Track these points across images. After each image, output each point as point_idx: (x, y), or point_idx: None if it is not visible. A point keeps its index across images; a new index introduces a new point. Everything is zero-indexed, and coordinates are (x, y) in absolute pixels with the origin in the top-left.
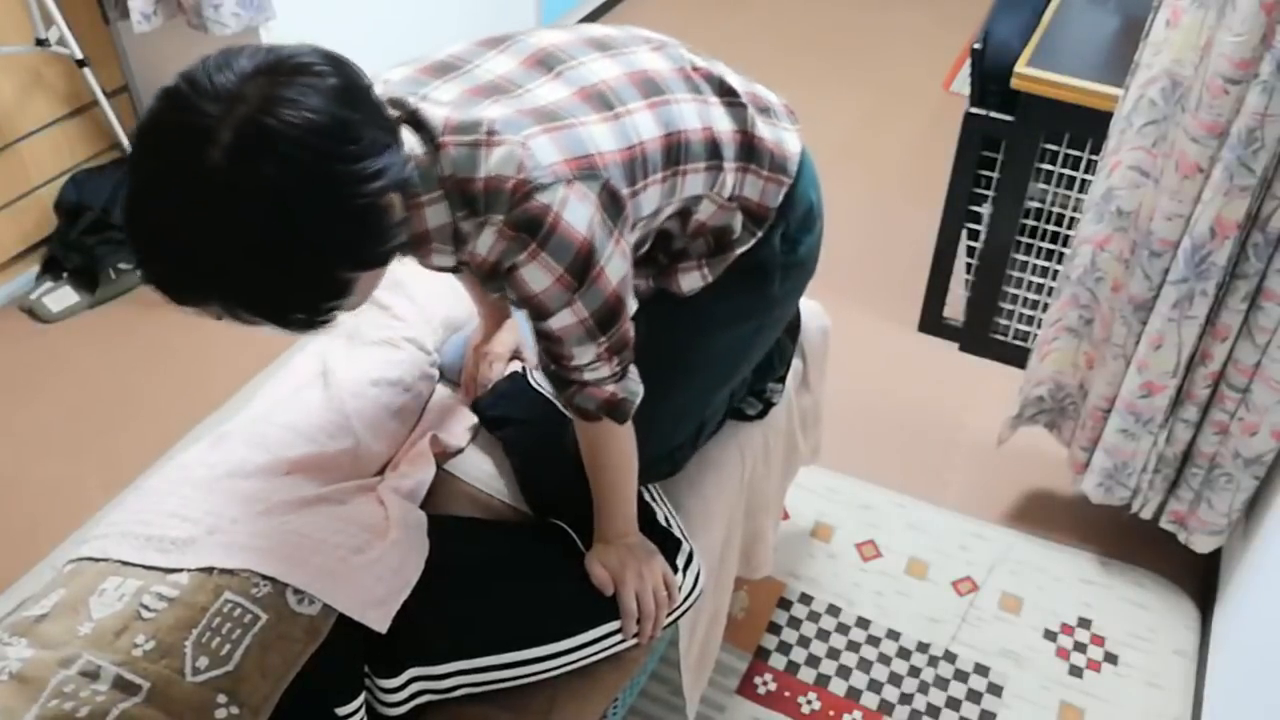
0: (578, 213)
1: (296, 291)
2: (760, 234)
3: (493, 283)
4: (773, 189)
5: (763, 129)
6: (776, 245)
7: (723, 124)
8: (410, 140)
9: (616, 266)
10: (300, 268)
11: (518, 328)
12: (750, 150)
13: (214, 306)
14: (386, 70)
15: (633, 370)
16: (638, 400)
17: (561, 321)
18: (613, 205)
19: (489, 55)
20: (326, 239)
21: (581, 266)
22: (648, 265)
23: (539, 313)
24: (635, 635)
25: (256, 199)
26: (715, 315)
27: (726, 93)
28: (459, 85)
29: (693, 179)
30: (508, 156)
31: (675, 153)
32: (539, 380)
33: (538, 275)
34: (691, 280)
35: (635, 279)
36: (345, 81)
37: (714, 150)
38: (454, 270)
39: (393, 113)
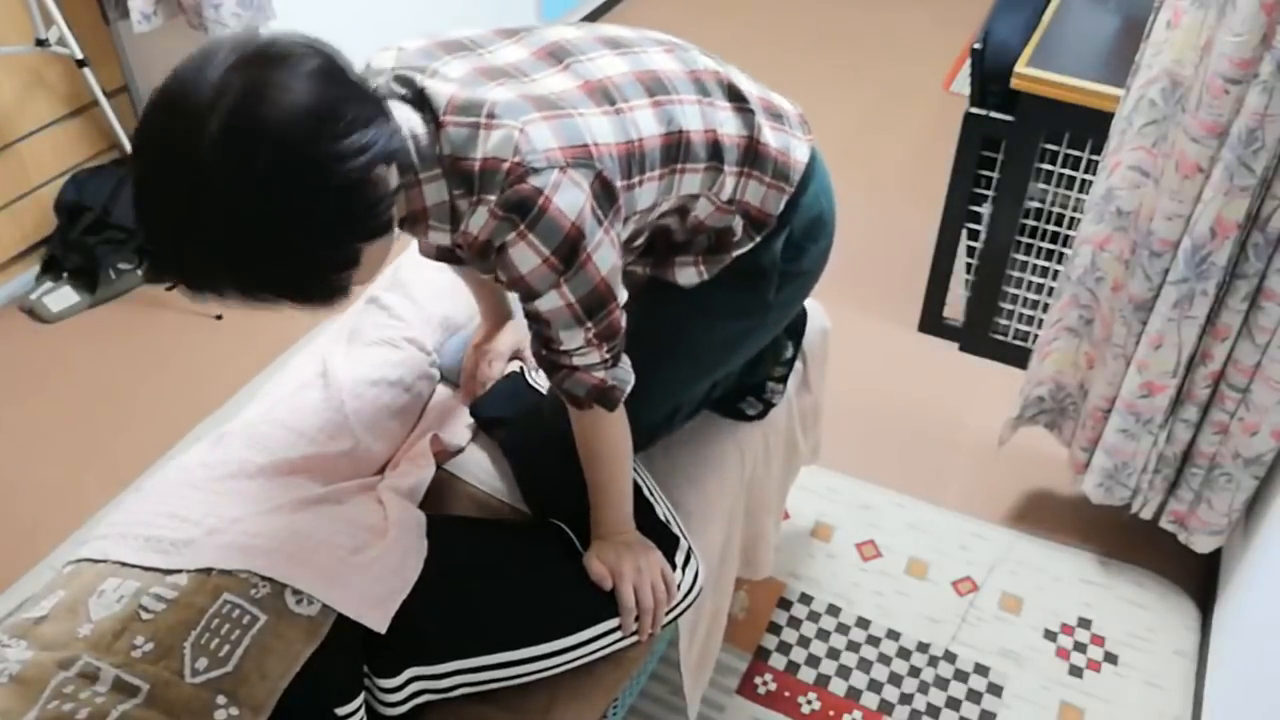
0: (569, 198)
1: (303, 266)
2: (760, 238)
3: (484, 263)
4: (774, 196)
5: (769, 136)
6: (777, 252)
7: (728, 128)
8: (411, 118)
9: (605, 255)
10: (301, 243)
11: (518, 327)
12: (754, 156)
13: (231, 292)
14: (404, 39)
15: (624, 360)
16: (628, 389)
17: (549, 304)
18: (605, 195)
19: (502, 43)
20: (321, 213)
21: (569, 250)
22: (646, 255)
23: (527, 294)
24: (634, 632)
25: (250, 183)
26: (706, 307)
27: (736, 98)
28: (469, 64)
29: (690, 178)
30: (505, 139)
31: (675, 151)
32: (536, 379)
33: (525, 256)
34: (688, 275)
35: (633, 266)
36: (324, 63)
37: (715, 152)
38: (450, 256)
39: (398, 89)
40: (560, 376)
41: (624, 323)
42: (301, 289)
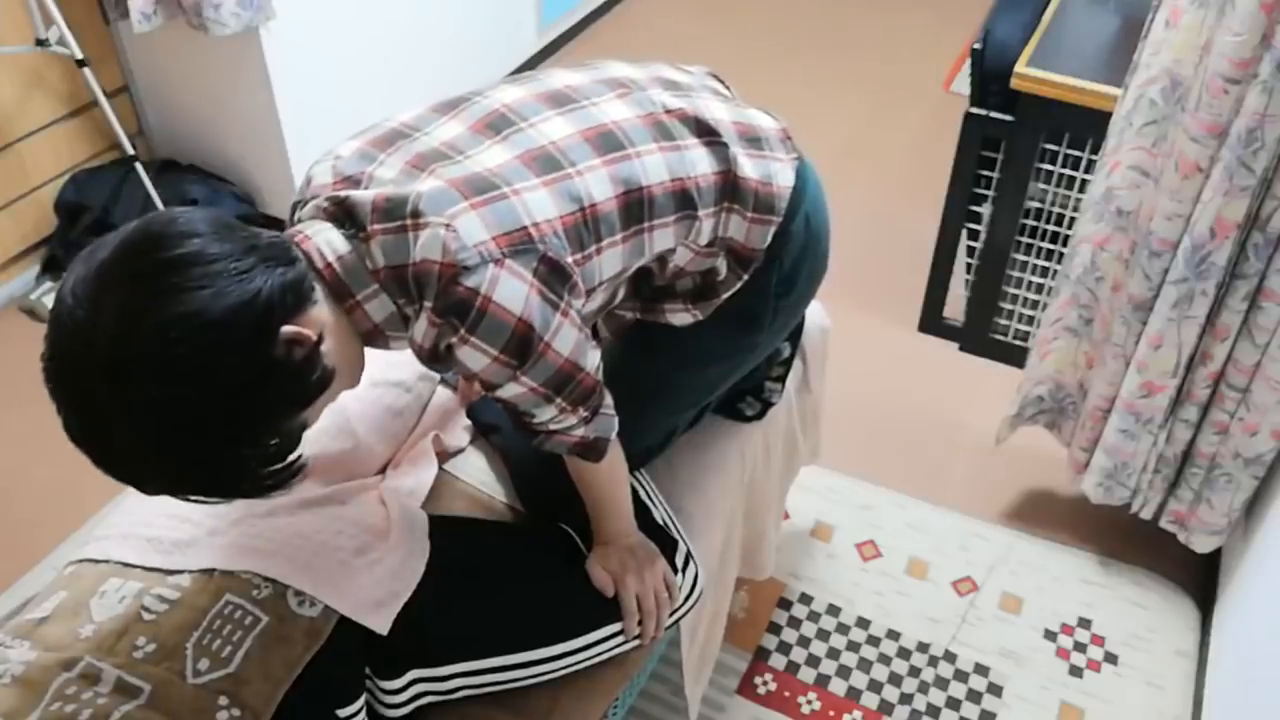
0: (509, 291)
1: (252, 460)
2: (747, 276)
3: (436, 365)
4: (759, 230)
5: (747, 167)
6: (770, 290)
7: (700, 168)
8: (333, 241)
9: (566, 337)
10: (240, 443)
11: None
12: (734, 191)
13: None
14: (339, 144)
15: (605, 405)
16: (612, 434)
17: (511, 392)
18: (553, 276)
19: (439, 121)
20: (246, 410)
21: (520, 346)
22: (632, 299)
23: (485, 386)
24: (637, 636)
25: (157, 414)
26: (696, 353)
27: (705, 132)
28: (402, 157)
29: (661, 234)
30: (432, 239)
31: (636, 210)
32: None
33: (473, 357)
34: (680, 319)
35: (621, 310)
36: (187, 250)
37: (686, 201)
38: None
39: (327, 206)
40: (540, 440)
41: (599, 376)
42: (257, 480)
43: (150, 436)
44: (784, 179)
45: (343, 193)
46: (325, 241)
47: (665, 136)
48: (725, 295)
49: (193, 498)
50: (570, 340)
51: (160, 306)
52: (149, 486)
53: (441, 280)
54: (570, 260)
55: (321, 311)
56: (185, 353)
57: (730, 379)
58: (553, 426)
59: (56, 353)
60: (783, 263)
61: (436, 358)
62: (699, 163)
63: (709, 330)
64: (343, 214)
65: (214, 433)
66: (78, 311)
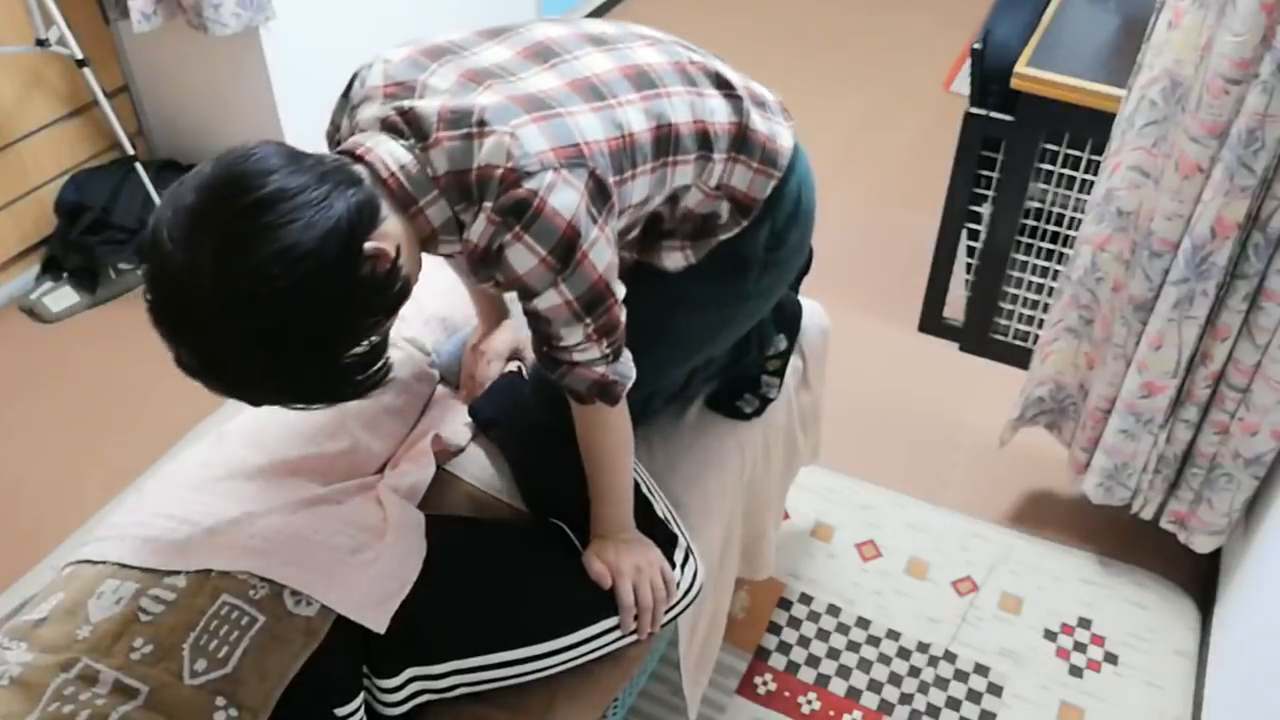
0: (563, 198)
1: (352, 367)
2: (745, 224)
3: (484, 270)
4: (761, 181)
5: (757, 121)
6: (761, 240)
7: (718, 115)
8: (395, 152)
9: (601, 252)
10: (341, 355)
11: (515, 327)
12: (743, 141)
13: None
14: (388, 49)
15: (626, 355)
16: (629, 384)
17: (548, 302)
18: (599, 193)
19: (487, 44)
20: (345, 326)
21: (565, 250)
22: (634, 242)
23: (526, 293)
24: (634, 631)
25: (267, 341)
26: (685, 297)
27: (723, 85)
28: (455, 69)
29: (682, 170)
30: (496, 146)
31: (665, 144)
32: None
33: (522, 256)
34: (674, 260)
35: (620, 252)
36: (268, 189)
37: (705, 142)
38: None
39: (389, 115)
40: (561, 372)
41: (623, 318)
42: (347, 384)
43: (263, 361)
44: (785, 141)
45: (406, 103)
46: (387, 152)
47: (689, 82)
48: (722, 237)
49: (300, 406)
50: (605, 256)
51: (255, 246)
52: (263, 401)
53: (504, 183)
54: (613, 181)
55: (391, 223)
56: (286, 285)
57: (721, 336)
58: (577, 356)
59: (161, 296)
60: (776, 219)
61: (487, 259)
62: (717, 111)
63: (702, 274)
64: (405, 124)
65: (319, 350)
66: (176, 255)
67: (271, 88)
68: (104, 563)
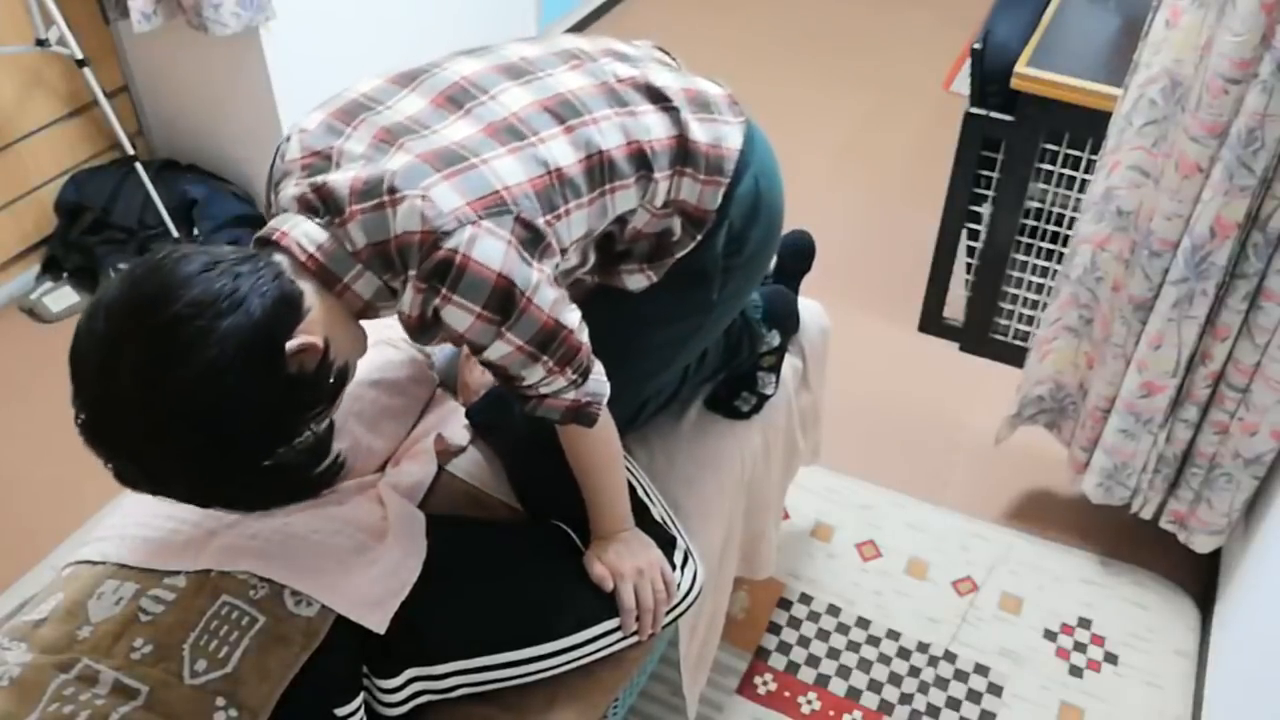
0: (487, 250)
1: (297, 465)
2: (700, 237)
3: (424, 335)
4: (710, 191)
5: (697, 131)
6: (719, 249)
7: (654, 132)
8: (311, 233)
9: (545, 294)
10: (281, 454)
11: None
12: (685, 154)
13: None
14: (303, 118)
15: (595, 370)
16: (604, 399)
17: (499, 352)
18: (528, 235)
19: (400, 94)
20: (279, 427)
21: (502, 301)
22: (592, 265)
23: (473, 348)
24: (635, 632)
25: (199, 454)
26: (650, 315)
27: (658, 98)
28: (369, 130)
29: (623, 195)
30: (410, 211)
31: (599, 173)
32: None
33: (457, 316)
34: (636, 281)
35: (581, 275)
36: (182, 306)
37: (642, 162)
38: None
39: (304, 193)
40: (532, 406)
41: (584, 339)
42: (298, 487)
43: (199, 473)
44: (732, 141)
45: (319, 179)
46: (303, 234)
47: (619, 103)
48: (679, 254)
49: (254, 509)
50: (550, 297)
51: (173, 369)
52: (213, 507)
53: (423, 248)
54: (543, 221)
55: (316, 311)
56: (211, 402)
57: (696, 343)
58: (543, 390)
59: (91, 422)
60: (733, 223)
61: (425, 325)
62: (653, 127)
63: (663, 291)
64: (319, 200)
65: (255, 455)
66: (96, 386)
67: (271, 88)
68: (104, 563)
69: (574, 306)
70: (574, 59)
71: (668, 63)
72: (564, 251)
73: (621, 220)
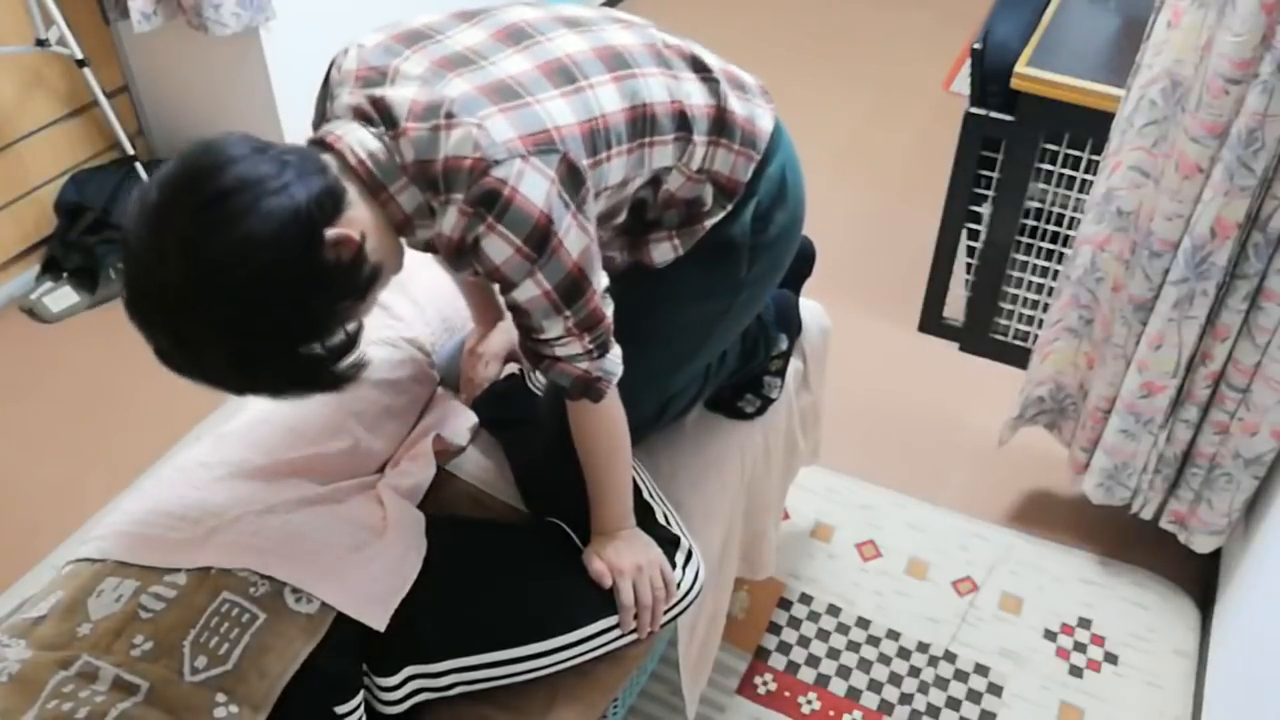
0: (534, 186)
1: (324, 354)
2: (730, 207)
3: (460, 260)
4: (742, 163)
5: (735, 104)
6: (747, 223)
7: (695, 98)
8: (364, 139)
9: (576, 239)
10: (311, 341)
11: (511, 328)
12: (722, 124)
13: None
14: (362, 35)
15: (613, 351)
16: (614, 380)
17: (526, 293)
18: (570, 178)
19: (461, 27)
20: (311, 312)
21: (540, 238)
22: (622, 236)
23: (504, 285)
24: (634, 630)
25: (235, 329)
26: (681, 289)
27: (700, 68)
28: (428, 56)
29: (660, 150)
30: (464, 137)
31: (641, 125)
32: (535, 381)
33: (497, 247)
34: (663, 251)
35: (609, 252)
36: (228, 181)
37: (683, 123)
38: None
39: (359, 102)
40: (545, 366)
41: (608, 311)
42: (318, 374)
43: (233, 348)
44: (764, 122)
45: (377, 90)
46: (356, 140)
47: (665, 65)
48: (708, 223)
49: (278, 395)
50: (579, 243)
51: (213, 239)
52: (242, 390)
53: (473, 174)
54: (586, 164)
55: (358, 210)
56: (247, 275)
57: (722, 331)
58: (559, 350)
59: (132, 289)
60: (761, 200)
61: (463, 251)
62: (694, 93)
63: (693, 265)
64: (376, 112)
65: (287, 336)
66: (141, 250)
67: (271, 88)
68: (104, 560)
69: (603, 272)
70: (623, 22)
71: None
72: (598, 195)
73: (656, 182)
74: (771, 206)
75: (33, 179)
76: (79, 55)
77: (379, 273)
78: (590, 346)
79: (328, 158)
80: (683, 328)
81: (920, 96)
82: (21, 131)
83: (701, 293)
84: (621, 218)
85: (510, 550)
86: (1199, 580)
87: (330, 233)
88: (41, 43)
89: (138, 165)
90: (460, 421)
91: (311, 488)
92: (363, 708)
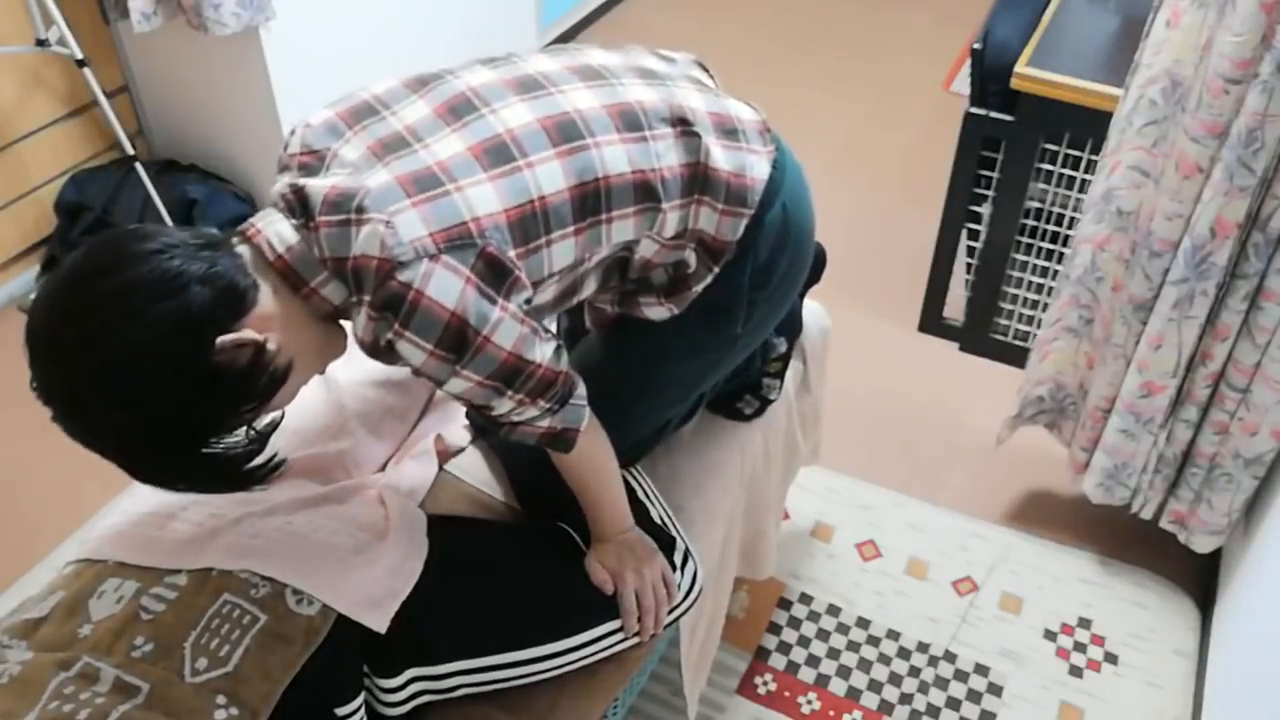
0: (443, 288)
1: (227, 456)
2: (718, 269)
3: (380, 359)
4: (730, 222)
5: (719, 158)
6: (744, 282)
7: (667, 159)
8: (282, 232)
9: (507, 330)
10: (207, 443)
11: None
12: (704, 182)
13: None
14: (313, 112)
15: (575, 395)
16: (582, 424)
17: (458, 387)
18: (491, 271)
19: (408, 100)
20: (204, 416)
21: (455, 339)
22: (611, 291)
23: (432, 380)
24: (636, 634)
25: (125, 431)
26: (669, 348)
27: (679, 122)
28: (366, 139)
29: (620, 225)
30: (370, 235)
31: (593, 202)
32: None
33: (411, 351)
34: (657, 313)
35: (600, 304)
36: (121, 282)
37: (647, 193)
38: None
39: (286, 192)
40: (505, 432)
41: (560, 365)
42: (228, 479)
43: (130, 447)
44: (759, 171)
45: (301, 181)
46: (275, 234)
47: (631, 127)
48: (697, 288)
49: (180, 490)
50: (512, 334)
51: (101, 342)
52: (149, 483)
53: (379, 275)
54: (513, 254)
55: (267, 308)
56: (131, 381)
57: (715, 374)
58: (514, 418)
59: (34, 374)
60: (758, 255)
61: (378, 351)
62: (666, 154)
63: (685, 324)
64: (297, 202)
65: (181, 439)
66: (40, 343)
67: (271, 88)
68: (105, 561)
69: (549, 338)
70: (594, 76)
71: (703, 81)
72: (539, 284)
73: (629, 248)
74: (773, 256)
75: (33, 179)
76: (79, 55)
77: (283, 373)
78: (548, 405)
79: (244, 250)
80: (676, 380)
81: (920, 96)
82: (21, 131)
83: (693, 350)
84: (591, 288)
85: (513, 552)
86: (1199, 580)
87: (224, 339)
88: (41, 43)
89: (138, 165)
90: (461, 422)
91: (313, 488)
92: (364, 709)
